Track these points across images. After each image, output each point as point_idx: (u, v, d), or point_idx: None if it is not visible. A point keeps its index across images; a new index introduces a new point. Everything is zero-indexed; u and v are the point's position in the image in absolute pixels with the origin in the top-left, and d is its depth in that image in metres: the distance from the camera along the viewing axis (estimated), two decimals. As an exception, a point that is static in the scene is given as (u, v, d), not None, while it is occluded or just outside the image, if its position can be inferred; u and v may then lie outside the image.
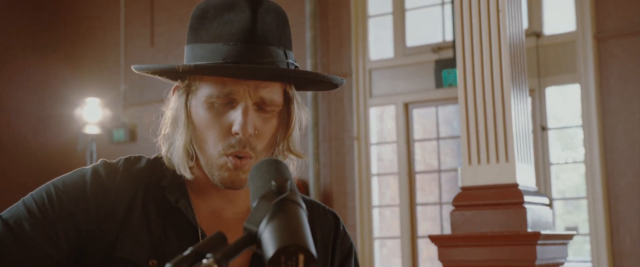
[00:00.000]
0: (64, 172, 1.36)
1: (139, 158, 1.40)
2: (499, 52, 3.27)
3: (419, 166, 7.82)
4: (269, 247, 0.90)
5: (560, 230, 6.77)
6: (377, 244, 7.74)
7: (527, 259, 3.10)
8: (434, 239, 3.29)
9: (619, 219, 6.57)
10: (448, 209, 7.19)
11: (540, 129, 6.93)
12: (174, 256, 0.93)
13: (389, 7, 7.82)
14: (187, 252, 0.91)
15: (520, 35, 3.46)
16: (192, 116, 1.31)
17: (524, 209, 3.15)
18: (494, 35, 3.30)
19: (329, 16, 7.99)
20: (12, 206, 1.30)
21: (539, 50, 6.95)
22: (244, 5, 1.30)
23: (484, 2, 3.33)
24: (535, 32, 6.98)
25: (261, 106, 1.30)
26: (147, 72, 1.35)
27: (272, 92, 1.30)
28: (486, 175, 3.25)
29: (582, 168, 7.05)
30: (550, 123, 7.09)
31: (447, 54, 7.20)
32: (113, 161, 1.38)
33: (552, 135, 7.10)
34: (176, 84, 1.36)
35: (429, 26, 7.73)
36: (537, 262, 3.12)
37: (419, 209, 7.69)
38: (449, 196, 7.54)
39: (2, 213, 1.29)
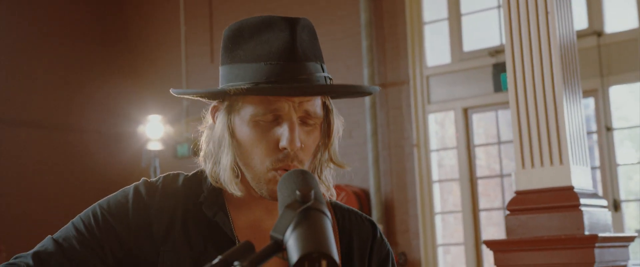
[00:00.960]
0: (128, 189, 1.44)
1: (177, 175, 1.46)
2: (549, 54, 3.24)
3: (482, 171, 7.74)
4: (294, 254, 0.94)
5: (631, 232, 6.60)
6: (441, 251, 7.68)
7: (586, 262, 3.05)
8: (489, 244, 3.27)
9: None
10: (511, 213, 7.08)
11: (605, 129, 6.78)
12: None
13: (444, 13, 7.78)
14: (216, 261, 0.95)
15: (571, 36, 3.41)
16: (237, 135, 1.35)
17: (581, 211, 3.11)
18: (543, 37, 3.26)
19: (385, 24, 7.99)
20: (62, 228, 1.39)
21: (600, 49, 6.81)
22: (283, 25, 1.34)
23: (532, 4, 3.30)
24: (596, 31, 6.84)
25: (305, 120, 1.34)
26: (193, 96, 1.39)
27: (315, 106, 1.35)
28: (540, 178, 3.21)
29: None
30: (618, 123, 6.92)
31: (504, 58, 7.10)
32: (153, 179, 1.45)
33: (618, 135, 6.93)
34: (214, 103, 1.41)
35: (486, 30, 7.65)
36: (597, 266, 3.07)
37: (483, 214, 7.61)
38: (512, 200, 7.43)
39: (54, 235, 1.38)
